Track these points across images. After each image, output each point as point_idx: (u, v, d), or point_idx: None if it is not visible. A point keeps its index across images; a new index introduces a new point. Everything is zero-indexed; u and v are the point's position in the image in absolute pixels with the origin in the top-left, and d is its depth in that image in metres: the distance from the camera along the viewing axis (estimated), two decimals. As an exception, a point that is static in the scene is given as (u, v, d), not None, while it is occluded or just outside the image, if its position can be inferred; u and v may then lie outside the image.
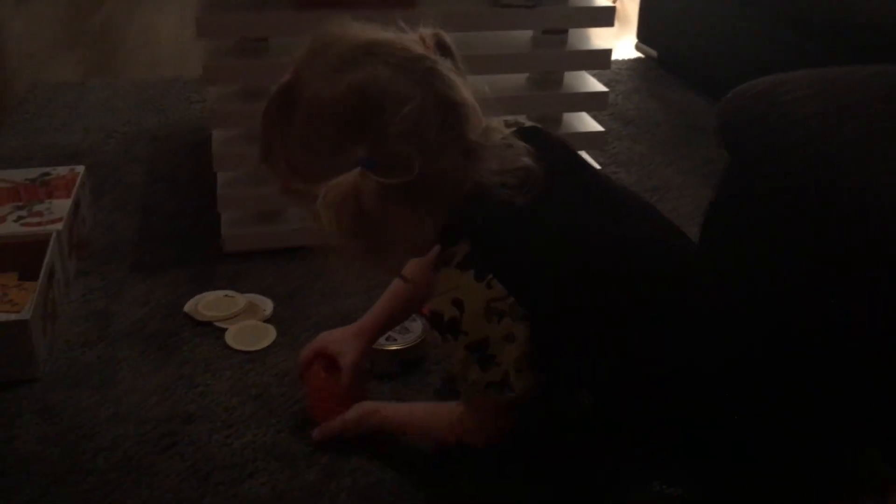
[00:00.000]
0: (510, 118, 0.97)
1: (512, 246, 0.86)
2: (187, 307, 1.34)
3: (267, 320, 1.32)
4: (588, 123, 1.62)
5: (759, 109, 0.99)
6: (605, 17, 1.50)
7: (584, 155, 1.61)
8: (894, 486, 0.57)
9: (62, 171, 1.55)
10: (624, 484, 0.85)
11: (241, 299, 1.35)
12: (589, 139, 1.60)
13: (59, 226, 1.36)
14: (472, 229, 0.86)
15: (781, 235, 0.89)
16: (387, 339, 1.22)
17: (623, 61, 2.33)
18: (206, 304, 1.34)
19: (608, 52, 1.54)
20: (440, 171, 0.83)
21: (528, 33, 1.54)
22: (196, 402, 1.16)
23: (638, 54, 2.40)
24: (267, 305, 1.35)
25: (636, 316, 0.83)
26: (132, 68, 2.32)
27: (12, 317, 1.16)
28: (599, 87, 1.57)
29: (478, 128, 0.85)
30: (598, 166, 1.64)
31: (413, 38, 0.87)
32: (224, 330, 1.29)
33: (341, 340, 1.13)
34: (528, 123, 0.98)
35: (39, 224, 1.37)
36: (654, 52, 2.34)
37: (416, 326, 1.25)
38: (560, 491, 0.96)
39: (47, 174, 1.53)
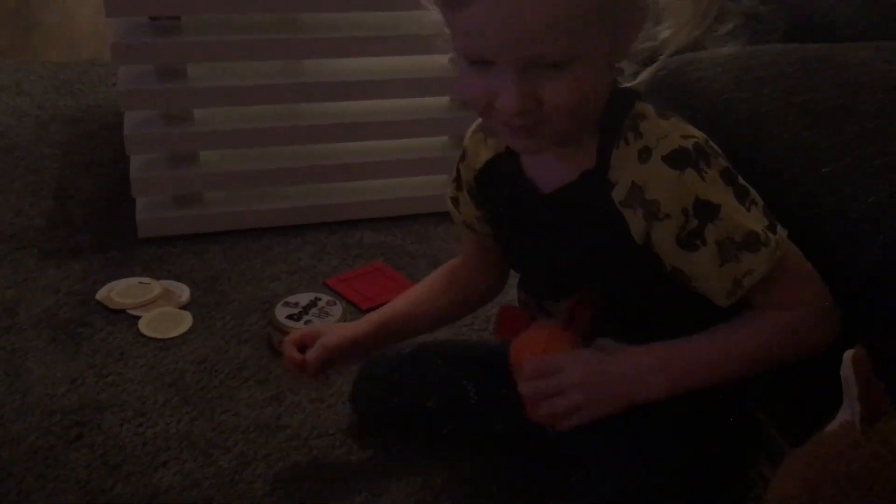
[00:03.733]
0: None
1: None
2: (100, 294, 1.30)
3: (183, 307, 1.29)
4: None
5: (676, 85, 1.00)
6: None
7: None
8: (787, 455, 0.58)
9: (-32, 155, 1.49)
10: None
11: (156, 286, 1.32)
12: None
13: (-37, 212, 1.31)
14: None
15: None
16: (305, 323, 1.20)
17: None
18: (120, 291, 1.30)
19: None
20: None
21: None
22: (107, 391, 1.13)
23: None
24: (183, 292, 1.32)
25: None
26: (48, 50, 2.24)
27: None
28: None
29: None
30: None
31: None
32: (138, 317, 1.26)
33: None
34: None
35: (-59, 210, 1.32)
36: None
37: (336, 310, 1.24)
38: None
39: (-48, 159, 1.47)
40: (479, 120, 0.88)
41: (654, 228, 0.73)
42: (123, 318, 1.26)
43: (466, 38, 0.70)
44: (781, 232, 0.73)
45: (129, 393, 1.13)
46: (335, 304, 1.25)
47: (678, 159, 0.71)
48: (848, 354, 0.55)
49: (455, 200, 0.95)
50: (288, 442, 1.07)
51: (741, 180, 0.73)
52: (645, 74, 0.76)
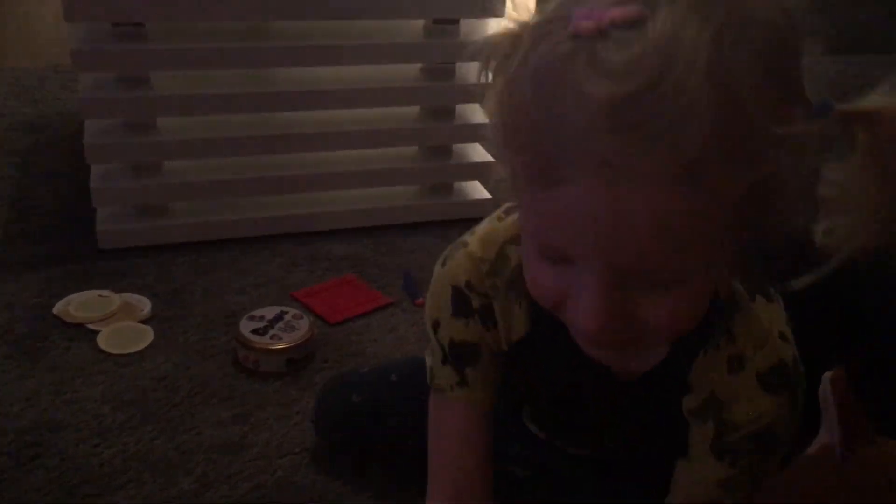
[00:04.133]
0: None
1: None
2: (57, 308, 1.26)
3: (144, 321, 1.25)
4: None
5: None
6: (498, 9, 1.48)
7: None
8: (766, 480, 0.57)
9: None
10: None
11: (116, 299, 1.28)
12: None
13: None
14: None
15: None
16: (271, 337, 1.17)
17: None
18: (78, 304, 1.26)
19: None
20: None
21: (420, 22, 1.50)
22: (64, 410, 1.09)
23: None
24: (144, 305, 1.28)
25: None
26: (7, 57, 2.18)
27: None
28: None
29: None
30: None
31: None
32: (97, 332, 1.22)
33: None
34: None
35: None
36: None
37: (303, 324, 1.21)
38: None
39: None
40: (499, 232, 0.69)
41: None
42: (82, 332, 1.22)
43: (548, 226, 0.51)
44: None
45: (86, 411, 1.09)
46: (302, 317, 1.22)
47: (776, 382, 0.59)
48: (826, 377, 0.54)
49: (441, 323, 0.74)
50: (253, 462, 1.03)
51: None
52: (803, 281, 0.52)
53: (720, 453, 0.63)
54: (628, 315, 0.51)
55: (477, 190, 1.63)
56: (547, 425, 0.85)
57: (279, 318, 1.21)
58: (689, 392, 0.64)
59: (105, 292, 1.29)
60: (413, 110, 1.55)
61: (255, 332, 1.18)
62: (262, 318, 1.21)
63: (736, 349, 0.60)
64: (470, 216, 0.99)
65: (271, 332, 1.18)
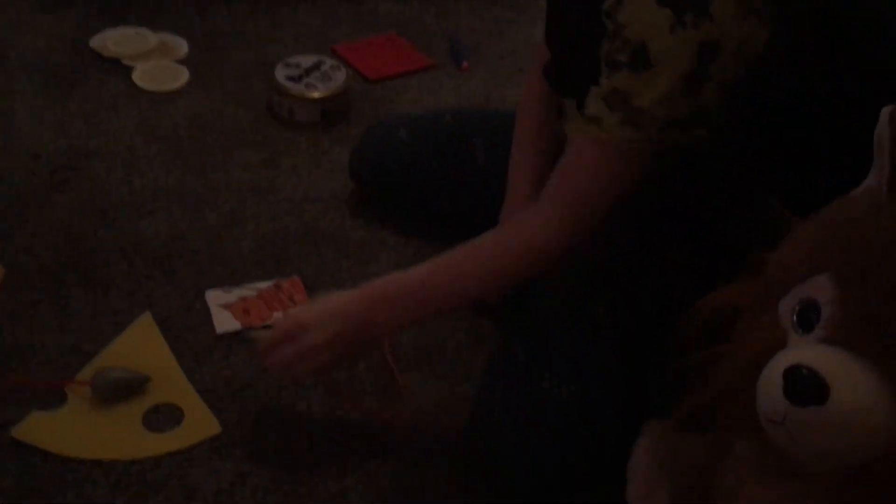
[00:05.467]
0: None
1: None
2: (94, 42, 1.22)
3: (180, 61, 1.22)
4: None
5: None
6: None
7: None
8: (789, 226, 0.53)
9: None
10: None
11: (153, 37, 1.24)
12: None
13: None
14: None
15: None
16: (306, 86, 1.13)
17: None
18: (115, 39, 1.23)
19: None
20: None
21: None
22: (96, 139, 1.08)
23: None
24: (181, 46, 1.24)
25: None
26: None
27: None
28: None
29: None
30: None
31: None
32: (132, 68, 1.19)
33: None
34: None
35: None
36: None
37: (340, 76, 1.16)
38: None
39: None
40: None
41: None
42: (118, 67, 1.20)
43: None
44: (631, 134, 0.64)
45: (118, 142, 1.08)
46: (340, 69, 1.17)
47: None
48: (886, 110, 0.48)
49: None
50: (279, 205, 1.02)
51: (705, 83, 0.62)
52: None
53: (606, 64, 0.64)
54: None
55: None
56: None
57: (316, 67, 1.16)
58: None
59: (142, 30, 1.25)
60: None
61: (289, 78, 1.13)
62: (297, 65, 1.16)
63: None
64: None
65: (306, 80, 1.14)
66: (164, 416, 0.77)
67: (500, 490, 0.73)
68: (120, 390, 0.78)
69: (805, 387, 0.44)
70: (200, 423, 0.77)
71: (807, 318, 0.49)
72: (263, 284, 0.92)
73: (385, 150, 0.98)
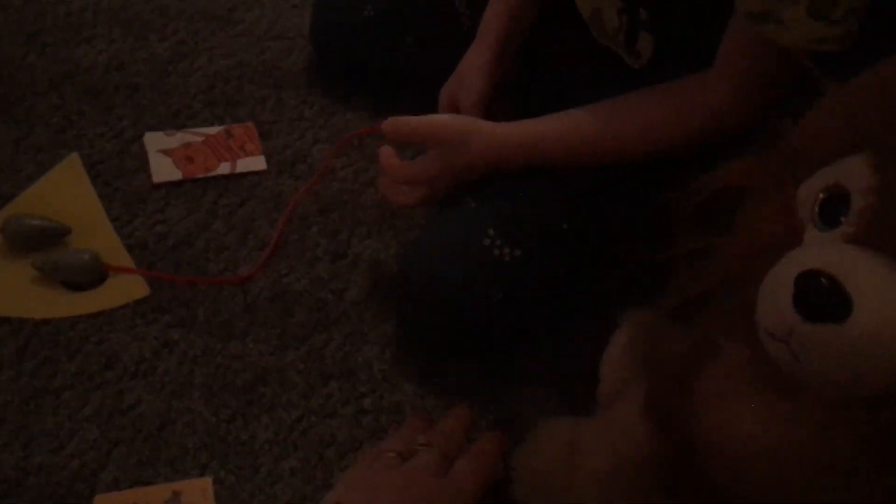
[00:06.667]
0: None
1: None
2: None
3: None
4: None
5: None
6: None
7: None
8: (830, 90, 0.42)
9: None
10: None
11: None
12: None
13: None
14: None
15: None
16: None
17: None
18: None
19: None
20: None
21: None
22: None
23: None
24: None
25: None
26: None
27: None
28: None
29: None
30: None
31: None
32: None
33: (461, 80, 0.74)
34: None
35: None
36: None
37: None
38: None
39: None
40: None
41: None
42: None
43: None
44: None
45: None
46: None
47: None
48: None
49: None
50: (238, 38, 0.90)
51: None
52: None
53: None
54: None
55: None
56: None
57: None
58: None
59: None
60: None
61: None
62: None
63: None
64: None
65: None
66: (84, 272, 0.69)
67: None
68: (34, 240, 0.69)
69: (822, 299, 0.35)
70: (125, 283, 0.68)
71: (832, 208, 0.39)
72: (212, 129, 0.81)
73: (348, 31, 0.83)
